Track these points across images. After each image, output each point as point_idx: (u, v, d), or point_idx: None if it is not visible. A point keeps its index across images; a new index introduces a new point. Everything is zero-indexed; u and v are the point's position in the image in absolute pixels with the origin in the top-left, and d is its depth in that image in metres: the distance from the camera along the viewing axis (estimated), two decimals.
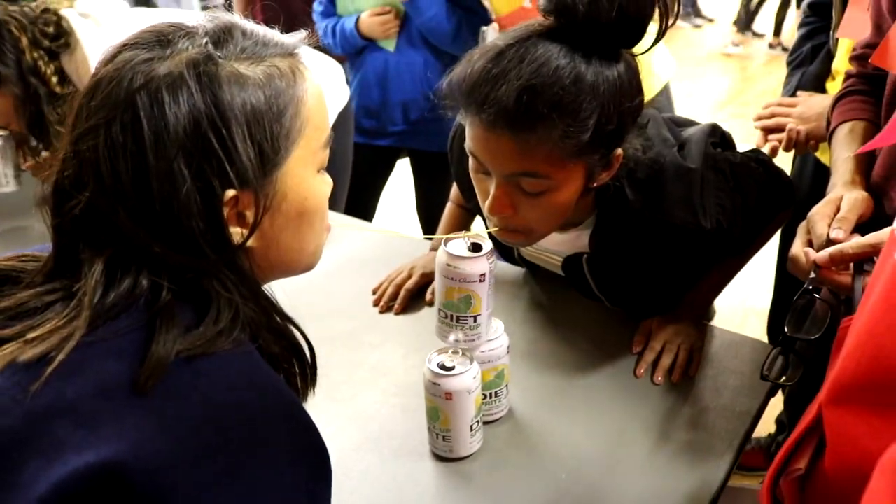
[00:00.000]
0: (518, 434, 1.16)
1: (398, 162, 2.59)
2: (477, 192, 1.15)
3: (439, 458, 1.11)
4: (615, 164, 1.10)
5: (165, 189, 0.63)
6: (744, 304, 2.84)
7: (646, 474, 1.07)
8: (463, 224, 1.56)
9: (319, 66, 2.09)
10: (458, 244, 1.05)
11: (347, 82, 2.43)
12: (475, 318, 1.05)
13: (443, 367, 1.06)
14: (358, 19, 2.30)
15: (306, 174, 0.73)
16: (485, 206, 1.11)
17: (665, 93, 2.19)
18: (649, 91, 2.14)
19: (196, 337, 0.63)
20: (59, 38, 1.69)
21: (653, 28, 1.04)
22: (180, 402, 0.60)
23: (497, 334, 1.14)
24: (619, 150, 1.09)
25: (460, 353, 1.08)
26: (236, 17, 0.72)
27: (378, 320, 1.45)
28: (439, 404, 1.06)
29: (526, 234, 1.16)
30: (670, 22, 1.02)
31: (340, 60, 2.34)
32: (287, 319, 0.75)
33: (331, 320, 1.44)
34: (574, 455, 1.11)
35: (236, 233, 0.69)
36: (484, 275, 1.02)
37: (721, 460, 1.09)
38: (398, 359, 1.34)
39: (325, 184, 0.78)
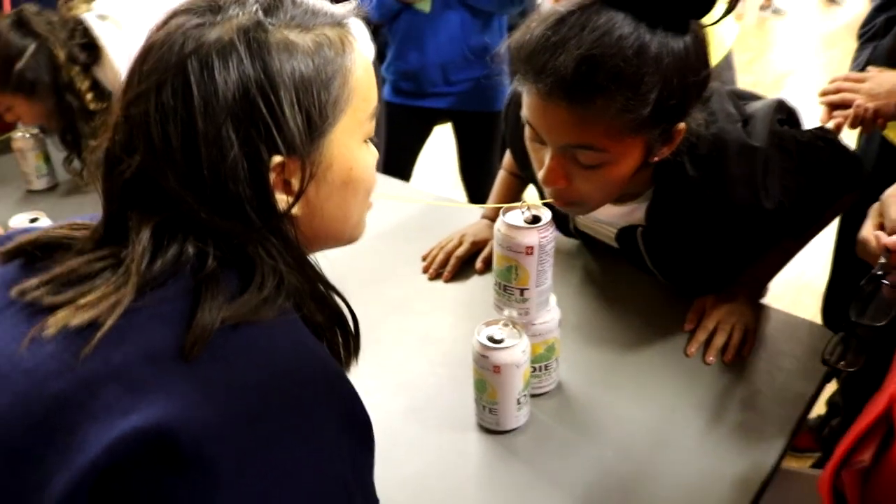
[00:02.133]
0: (566, 408, 1.15)
1: (437, 129, 2.57)
2: (532, 160, 1.13)
3: (485, 429, 1.11)
4: (676, 139, 1.07)
5: (213, 154, 0.63)
6: (799, 281, 2.78)
7: (695, 456, 1.05)
8: (515, 193, 1.54)
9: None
10: (516, 213, 1.03)
11: (386, 48, 2.42)
12: (521, 290, 1.04)
13: (492, 339, 1.05)
14: None
15: (352, 144, 0.73)
16: (539, 175, 1.09)
17: (727, 61, 2.12)
18: (713, 59, 2.08)
19: (241, 304, 0.63)
20: (92, 48, 1.69)
21: None
22: (226, 369, 0.60)
23: (549, 307, 1.12)
24: (682, 125, 1.06)
25: (510, 325, 1.07)
26: None
27: (427, 288, 1.45)
28: (487, 377, 1.06)
29: (580, 205, 1.14)
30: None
31: (378, 27, 2.32)
32: (331, 288, 0.75)
33: (380, 286, 1.44)
34: (622, 433, 1.09)
35: (282, 200, 0.69)
36: (532, 247, 1.01)
37: (773, 444, 1.06)
38: (447, 328, 1.34)
39: (371, 154, 0.77)
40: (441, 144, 2.66)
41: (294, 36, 0.68)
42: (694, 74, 1.01)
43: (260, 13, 0.67)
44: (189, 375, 0.59)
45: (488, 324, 1.08)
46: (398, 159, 2.49)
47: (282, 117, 0.65)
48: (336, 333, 0.76)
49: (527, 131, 1.09)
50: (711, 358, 1.21)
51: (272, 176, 0.67)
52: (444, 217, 1.62)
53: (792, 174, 1.16)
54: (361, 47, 0.74)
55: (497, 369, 1.04)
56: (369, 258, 1.50)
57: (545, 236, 1.02)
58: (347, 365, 0.79)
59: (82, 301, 0.62)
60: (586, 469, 1.04)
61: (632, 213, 1.26)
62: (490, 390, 1.06)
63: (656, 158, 1.08)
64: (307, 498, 0.61)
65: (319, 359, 0.66)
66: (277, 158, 0.66)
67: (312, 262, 0.75)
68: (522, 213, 1.03)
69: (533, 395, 1.14)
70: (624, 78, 0.96)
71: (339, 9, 0.73)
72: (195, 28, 0.65)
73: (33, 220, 1.55)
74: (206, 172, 0.64)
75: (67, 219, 0.74)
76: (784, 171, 1.16)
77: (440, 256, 1.48)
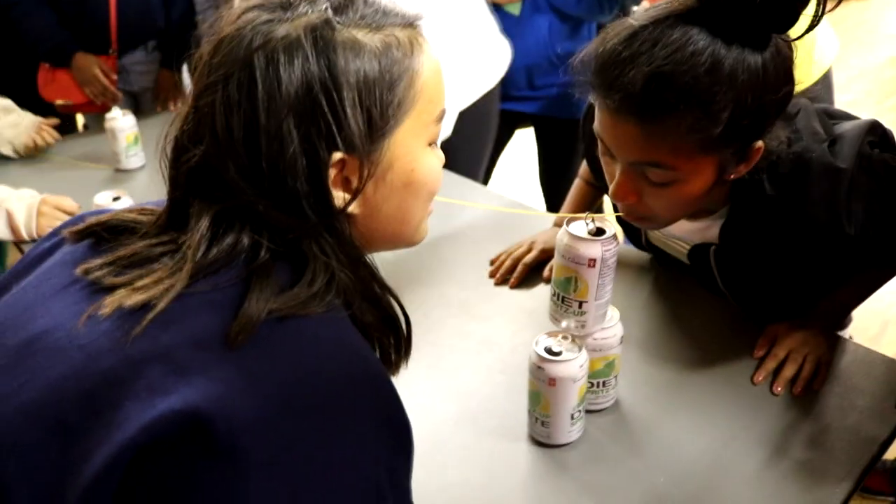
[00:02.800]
0: (621, 427, 1.12)
1: (519, 133, 2.55)
2: (605, 173, 1.11)
3: (536, 442, 1.09)
4: (754, 157, 1.03)
5: (274, 148, 0.64)
6: (885, 314, 2.65)
7: (752, 490, 1.01)
8: (590, 202, 1.52)
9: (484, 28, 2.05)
10: (580, 224, 1.01)
11: None
12: (580, 303, 1.02)
13: (550, 351, 1.03)
14: None
15: (415, 146, 0.72)
16: (610, 189, 1.07)
17: (825, 80, 2.04)
18: (807, 78, 2.00)
19: (290, 297, 0.63)
20: None
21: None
22: (268, 360, 0.61)
23: (611, 323, 1.09)
24: (759, 143, 1.02)
25: (570, 338, 1.05)
26: None
27: (492, 293, 1.44)
28: (541, 389, 1.04)
29: (650, 221, 1.11)
30: (829, 7, 0.93)
31: None
32: (386, 289, 0.75)
33: (445, 287, 1.44)
34: (677, 458, 1.06)
35: (340, 197, 0.69)
36: (594, 260, 0.98)
37: (838, 486, 1.01)
38: (507, 335, 1.32)
39: (437, 158, 0.77)
40: (523, 149, 2.64)
41: (362, 35, 0.68)
42: (772, 92, 0.97)
43: (329, 11, 0.67)
44: (231, 363, 0.60)
45: (549, 335, 1.06)
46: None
47: (343, 116, 0.65)
48: (386, 335, 0.75)
49: (599, 144, 1.07)
50: (780, 388, 1.16)
51: (332, 172, 0.67)
52: (515, 223, 1.61)
53: (879, 200, 1.10)
54: (431, 49, 0.73)
55: (552, 382, 1.02)
56: (436, 259, 1.50)
57: (608, 249, 0.99)
58: (397, 368, 0.78)
59: (139, 283, 0.64)
60: (636, 493, 1.01)
61: (706, 229, 1.22)
62: (544, 402, 1.05)
63: (733, 176, 1.05)
64: (335, 497, 0.60)
65: (362, 358, 0.66)
66: (337, 155, 0.67)
67: (369, 261, 0.74)
68: (587, 224, 1.01)
69: (589, 411, 1.11)
70: (694, 96, 0.93)
71: (411, 10, 0.73)
72: (264, 24, 0.66)
73: (116, 199, 1.60)
74: (266, 165, 0.65)
75: (140, 203, 0.76)
76: (871, 196, 1.10)
77: (508, 262, 1.46)
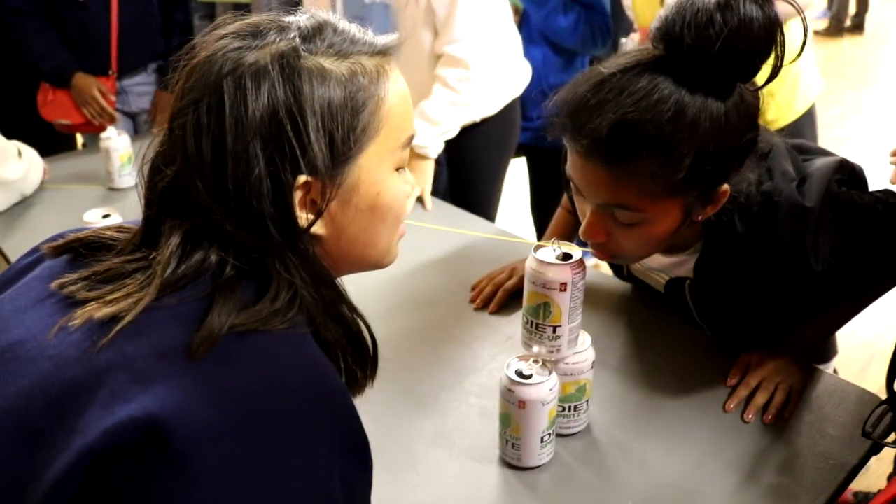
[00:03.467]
0: (592, 451, 1.13)
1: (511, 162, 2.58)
2: (577, 211, 1.14)
3: (507, 464, 1.10)
4: (720, 200, 1.07)
5: (240, 170, 0.67)
6: (871, 347, 2.66)
7: None
8: (571, 230, 1.54)
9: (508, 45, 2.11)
10: (548, 251, 1.03)
11: None
12: (554, 328, 1.04)
13: (520, 374, 1.05)
14: None
15: (381, 171, 0.75)
16: (581, 229, 1.10)
17: (809, 115, 2.08)
18: (791, 113, 2.04)
19: (252, 313, 0.66)
20: None
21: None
22: (227, 372, 0.63)
23: (583, 347, 1.11)
24: (725, 187, 1.05)
25: (541, 362, 1.07)
26: (332, 17, 0.75)
27: (471, 318, 1.45)
28: (512, 411, 1.05)
29: (620, 258, 1.15)
30: (786, 61, 0.97)
31: None
32: (352, 310, 0.76)
33: (425, 311, 1.46)
34: (646, 482, 1.07)
35: (305, 218, 0.71)
36: (565, 284, 1.01)
37: None
38: (485, 359, 1.34)
39: (403, 182, 0.79)
40: (514, 177, 2.67)
41: (329, 63, 0.70)
42: (735, 139, 1.00)
43: (297, 40, 0.70)
44: (191, 374, 0.62)
45: (521, 358, 1.08)
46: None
47: (307, 140, 0.68)
48: (352, 353, 0.77)
49: (570, 184, 1.10)
50: (751, 416, 1.18)
51: (298, 194, 0.69)
52: (497, 248, 1.64)
53: (845, 237, 1.13)
54: (398, 76, 0.76)
55: (522, 405, 1.04)
56: (419, 282, 1.52)
57: (577, 272, 1.01)
58: (362, 386, 0.80)
59: (110, 297, 0.66)
60: None
61: (682, 264, 1.25)
62: (514, 425, 1.06)
63: (701, 218, 1.08)
64: None
65: (320, 374, 0.67)
66: (301, 178, 0.69)
67: (335, 281, 0.76)
68: (554, 250, 1.03)
69: (560, 435, 1.13)
70: (658, 143, 0.96)
71: (380, 38, 0.76)
72: (234, 51, 0.69)
73: (105, 216, 1.62)
74: (232, 186, 0.67)
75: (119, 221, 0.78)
76: (836, 234, 1.12)
77: (488, 288, 1.48)
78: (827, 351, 1.58)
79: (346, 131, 0.70)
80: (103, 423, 0.59)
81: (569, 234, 1.53)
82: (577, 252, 1.03)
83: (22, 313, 0.70)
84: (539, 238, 2.38)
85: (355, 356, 0.77)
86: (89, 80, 2.47)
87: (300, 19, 0.73)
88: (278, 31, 0.71)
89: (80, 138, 2.99)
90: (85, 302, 0.67)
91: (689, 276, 1.24)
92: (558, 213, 1.56)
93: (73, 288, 0.69)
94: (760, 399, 1.19)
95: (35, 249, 0.79)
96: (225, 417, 0.60)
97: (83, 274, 0.70)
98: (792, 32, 2.04)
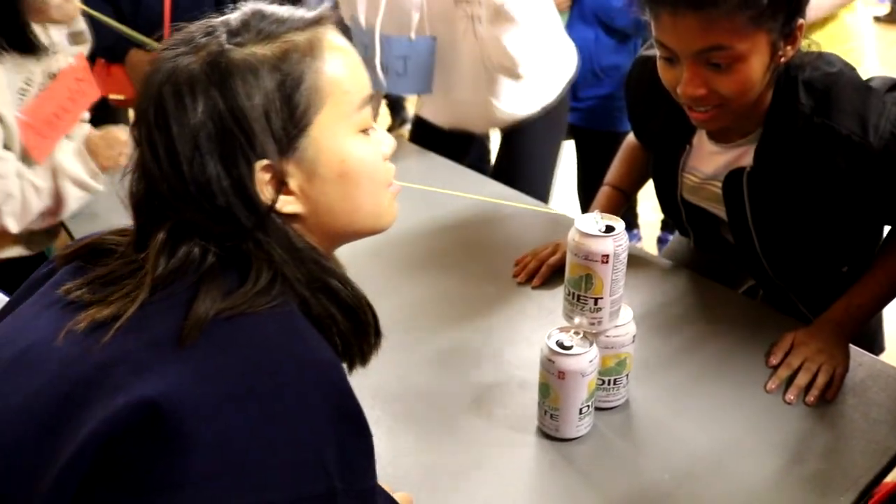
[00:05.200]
0: (629, 425, 1.13)
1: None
2: (666, 84, 1.19)
3: (545, 434, 1.11)
4: (798, 36, 1.14)
5: (195, 171, 0.69)
6: None
7: (754, 493, 1.02)
8: (615, 207, 1.54)
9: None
10: (590, 221, 1.03)
11: None
12: (596, 300, 1.04)
13: (561, 345, 1.05)
14: None
15: (340, 137, 0.75)
16: (678, 90, 1.16)
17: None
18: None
19: (236, 297, 0.69)
20: None
21: None
22: (217, 355, 0.66)
23: (624, 321, 1.11)
24: (801, 21, 1.13)
25: (582, 333, 1.07)
26: (261, 3, 0.76)
27: (514, 291, 1.46)
28: (551, 382, 1.06)
29: (721, 111, 1.17)
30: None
31: None
32: (344, 282, 0.77)
33: (468, 283, 1.47)
34: (683, 458, 1.07)
35: (280, 200, 0.73)
36: (607, 256, 1.01)
37: (842, 496, 1.01)
38: (526, 332, 1.35)
39: (369, 144, 0.79)
40: (562, 159, 2.67)
41: (260, 49, 0.72)
42: None
43: (224, 37, 0.72)
44: (184, 360, 0.66)
45: (562, 329, 1.09)
46: None
47: (251, 132, 0.70)
48: (348, 325, 0.78)
49: (658, 56, 1.17)
50: (792, 397, 1.17)
51: (264, 178, 0.72)
52: (547, 226, 1.66)
53: None
54: (336, 42, 0.76)
55: (562, 375, 1.05)
56: (460, 255, 1.53)
57: (619, 245, 1.01)
58: (364, 357, 0.81)
59: (110, 298, 0.71)
60: (640, 488, 1.03)
61: (739, 157, 1.28)
62: (553, 395, 1.07)
63: (783, 58, 1.15)
64: (280, 477, 0.65)
65: (308, 348, 0.70)
66: (260, 164, 0.71)
67: (318, 256, 0.77)
68: (596, 222, 1.03)
69: (599, 409, 1.13)
70: None
71: (310, 13, 0.76)
72: (170, 60, 0.71)
73: None
74: (193, 188, 0.70)
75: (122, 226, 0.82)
76: None
77: (532, 263, 1.49)
78: (873, 343, 1.55)
79: (288, 112, 0.71)
80: (105, 412, 0.63)
81: (613, 209, 1.53)
82: (619, 224, 1.03)
83: (36, 320, 0.74)
84: None
85: (350, 327, 0.78)
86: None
87: (230, 16, 0.74)
88: (207, 34, 0.72)
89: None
90: (89, 304, 0.71)
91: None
92: (603, 191, 1.57)
93: (77, 293, 0.73)
94: (802, 380, 1.18)
95: (50, 261, 0.83)
96: (215, 395, 0.64)
97: (87, 279, 0.74)
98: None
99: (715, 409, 1.16)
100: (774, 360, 1.22)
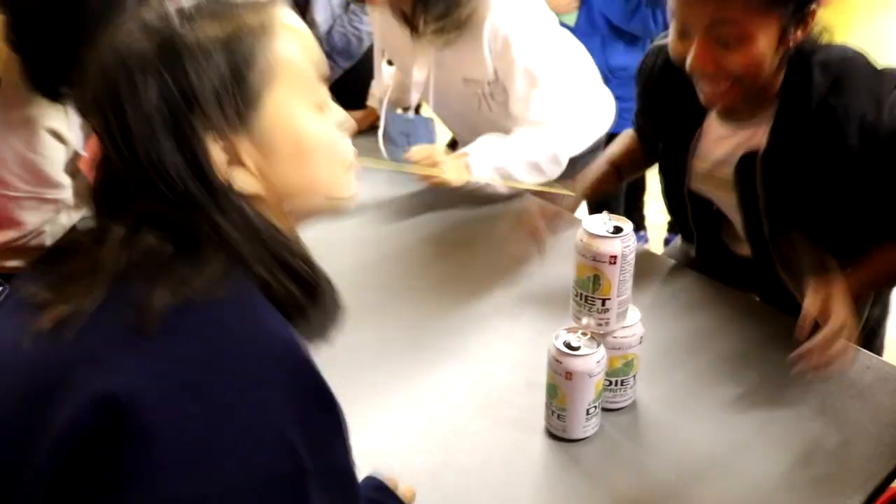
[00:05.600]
0: (636, 426, 1.13)
1: None
2: (676, 58, 1.20)
3: (552, 435, 1.11)
4: (810, 21, 1.15)
5: (151, 153, 0.69)
6: None
7: (761, 495, 1.02)
8: (606, 181, 1.58)
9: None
10: (598, 222, 1.03)
11: None
12: (603, 301, 1.04)
13: (568, 345, 1.05)
14: None
15: (295, 114, 0.75)
16: (688, 64, 1.17)
17: None
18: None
19: (193, 285, 0.68)
20: None
21: None
22: (175, 344, 0.66)
23: (632, 322, 1.11)
24: (814, 6, 1.14)
25: (589, 334, 1.07)
26: None
27: (522, 291, 1.46)
28: (558, 382, 1.06)
29: (731, 86, 1.18)
30: None
31: None
32: (304, 260, 0.77)
33: (476, 282, 1.47)
34: (689, 459, 1.07)
35: (241, 179, 0.73)
36: (615, 257, 1.01)
37: (849, 499, 1.01)
38: (535, 333, 1.34)
39: (325, 121, 0.78)
40: None
41: (210, 29, 0.71)
42: None
43: (175, 20, 0.71)
44: (143, 351, 0.65)
45: (569, 330, 1.09)
46: None
47: (203, 110, 0.70)
48: (310, 304, 0.77)
49: (671, 29, 1.19)
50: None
51: (222, 157, 0.71)
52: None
53: None
54: (288, 21, 0.76)
55: (569, 375, 1.05)
56: (469, 259, 1.53)
57: (627, 245, 1.02)
58: (326, 332, 0.80)
59: (72, 295, 0.70)
60: (646, 489, 1.03)
61: (749, 139, 1.28)
62: (560, 396, 1.07)
63: (792, 43, 1.16)
64: (245, 463, 0.64)
65: (267, 329, 0.69)
66: (213, 146, 0.71)
67: (279, 235, 0.76)
68: (604, 223, 1.03)
69: (606, 409, 1.13)
70: None
71: None
72: (123, 43, 0.71)
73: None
74: (150, 172, 0.69)
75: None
76: None
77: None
78: (878, 344, 1.54)
79: (240, 90, 0.71)
80: (71, 411, 0.63)
81: (604, 183, 1.59)
82: (627, 225, 1.03)
83: (5, 323, 0.74)
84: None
85: (311, 304, 0.77)
86: None
87: None
88: (159, 18, 0.72)
89: None
90: (51, 303, 0.70)
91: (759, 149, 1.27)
92: (599, 163, 1.61)
93: (43, 294, 0.72)
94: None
95: (27, 267, 0.82)
96: (174, 385, 0.63)
97: (49, 279, 0.73)
98: None
99: (722, 411, 1.16)
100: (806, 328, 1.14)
